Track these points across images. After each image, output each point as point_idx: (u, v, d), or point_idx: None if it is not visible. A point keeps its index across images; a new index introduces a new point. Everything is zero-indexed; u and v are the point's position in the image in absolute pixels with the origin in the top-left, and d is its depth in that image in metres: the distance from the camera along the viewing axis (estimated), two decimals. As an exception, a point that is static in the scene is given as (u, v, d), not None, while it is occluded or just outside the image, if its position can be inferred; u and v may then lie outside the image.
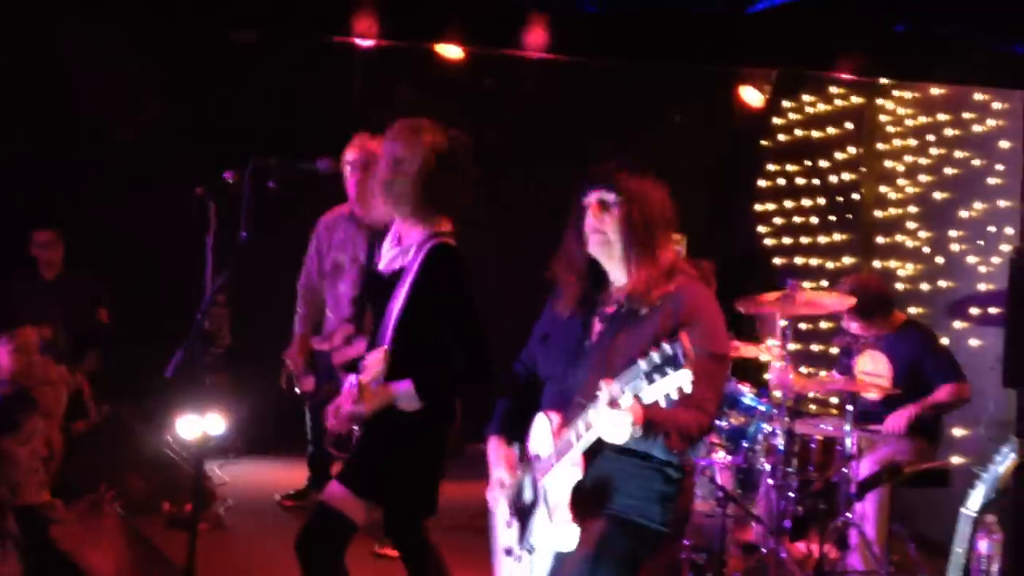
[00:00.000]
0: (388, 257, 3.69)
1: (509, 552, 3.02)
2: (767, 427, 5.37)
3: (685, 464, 2.91)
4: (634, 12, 6.27)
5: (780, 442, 5.17)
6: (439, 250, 3.52)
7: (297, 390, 5.76)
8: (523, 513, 2.98)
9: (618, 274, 2.98)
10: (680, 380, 2.40)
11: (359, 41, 6.69)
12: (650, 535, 2.85)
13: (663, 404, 2.46)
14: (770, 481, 5.28)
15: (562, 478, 2.78)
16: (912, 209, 7.51)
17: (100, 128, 7.45)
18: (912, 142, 7.55)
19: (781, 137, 8.64)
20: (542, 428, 2.92)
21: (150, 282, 7.50)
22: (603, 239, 2.93)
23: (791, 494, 5.17)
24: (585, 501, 2.78)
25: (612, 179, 2.93)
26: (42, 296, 7.13)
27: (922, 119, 7.47)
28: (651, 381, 2.42)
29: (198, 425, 4.12)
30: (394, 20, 6.40)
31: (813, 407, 7.37)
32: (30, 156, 7.23)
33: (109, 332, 6.75)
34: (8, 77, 7.05)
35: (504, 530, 3.07)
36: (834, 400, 7.45)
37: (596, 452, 2.74)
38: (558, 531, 2.77)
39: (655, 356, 2.41)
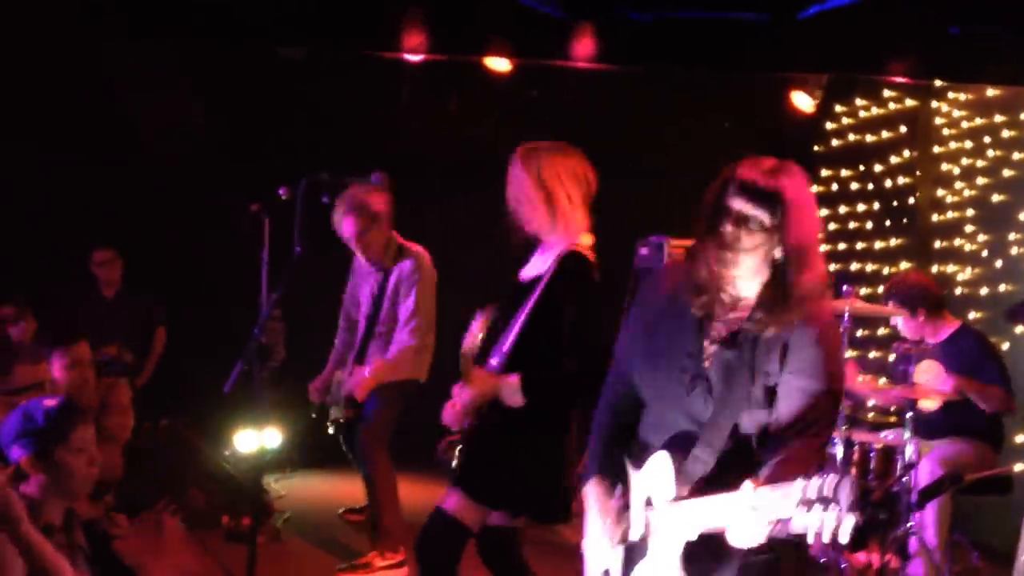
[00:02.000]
0: (530, 266, 3.75)
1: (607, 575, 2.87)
2: (825, 436, 5.30)
3: None
4: (682, 20, 6.25)
5: (839, 451, 5.11)
6: (569, 257, 3.58)
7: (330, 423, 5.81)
8: (628, 548, 2.77)
9: (744, 289, 2.60)
10: (843, 524, 2.10)
11: (408, 56, 6.75)
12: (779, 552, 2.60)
13: (810, 539, 2.16)
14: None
15: (676, 536, 2.55)
16: (970, 212, 7.39)
17: (155, 148, 7.58)
18: (968, 144, 7.44)
19: (834, 142, 8.55)
20: (660, 471, 2.64)
21: (207, 298, 7.60)
22: (741, 260, 2.53)
23: (850, 503, 5.09)
24: (703, 549, 2.52)
25: (774, 194, 2.50)
26: (102, 314, 7.27)
27: (978, 120, 7.35)
28: (808, 510, 2.12)
29: (255, 439, 4.16)
30: (443, 35, 6.44)
31: (871, 415, 7.28)
32: (88, 177, 7.37)
33: (126, 362, 6.82)
34: (64, 101, 7.19)
35: (606, 550, 2.84)
36: (892, 409, 7.35)
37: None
38: None
39: (818, 483, 2.11)
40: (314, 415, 5.85)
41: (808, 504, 2.10)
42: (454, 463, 3.70)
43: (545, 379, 3.53)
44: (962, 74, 6.78)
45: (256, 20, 6.40)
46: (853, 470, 5.12)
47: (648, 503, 2.69)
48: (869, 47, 6.31)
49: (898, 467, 5.08)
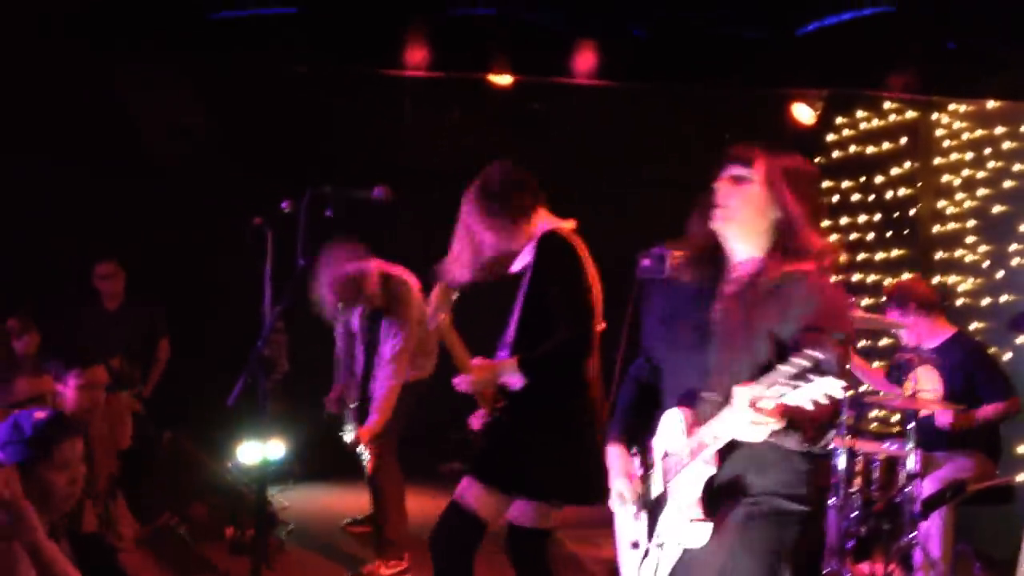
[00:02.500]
0: (519, 259, 3.85)
1: (636, 545, 2.97)
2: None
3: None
4: (682, 36, 6.28)
5: (841, 461, 5.12)
6: (545, 238, 3.73)
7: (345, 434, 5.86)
8: (652, 508, 2.92)
9: (743, 250, 2.87)
10: (830, 387, 2.34)
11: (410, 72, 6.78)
12: (794, 517, 2.75)
13: (809, 407, 2.40)
14: (832, 501, 5.22)
15: (694, 475, 2.73)
16: (970, 223, 7.41)
17: (159, 160, 7.61)
18: (969, 155, 7.46)
19: (835, 153, 8.57)
20: (673, 425, 2.84)
21: (211, 311, 7.62)
22: (730, 214, 2.83)
23: (853, 514, 5.11)
24: (721, 493, 2.73)
25: (749, 156, 2.86)
26: (105, 326, 7.28)
27: (979, 132, 7.38)
28: (796, 387, 2.37)
29: (259, 451, 4.17)
30: (445, 52, 6.48)
31: (875, 425, 7.29)
32: (92, 189, 7.40)
33: (129, 375, 6.84)
34: (66, 112, 7.22)
35: (631, 523, 3.00)
36: (895, 419, 7.36)
37: (729, 446, 2.69)
38: (690, 528, 2.73)
39: (802, 361, 2.35)
40: (328, 420, 5.88)
41: (797, 377, 2.34)
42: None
43: (539, 353, 3.61)
44: (961, 89, 6.81)
45: (261, 37, 6.45)
46: (856, 480, 5.13)
47: (665, 455, 2.86)
48: (868, 63, 6.34)
49: (901, 478, 5.08)
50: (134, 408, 6.53)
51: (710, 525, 2.70)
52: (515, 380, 3.61)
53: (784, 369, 2.39)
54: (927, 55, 6.21)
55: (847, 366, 2.56)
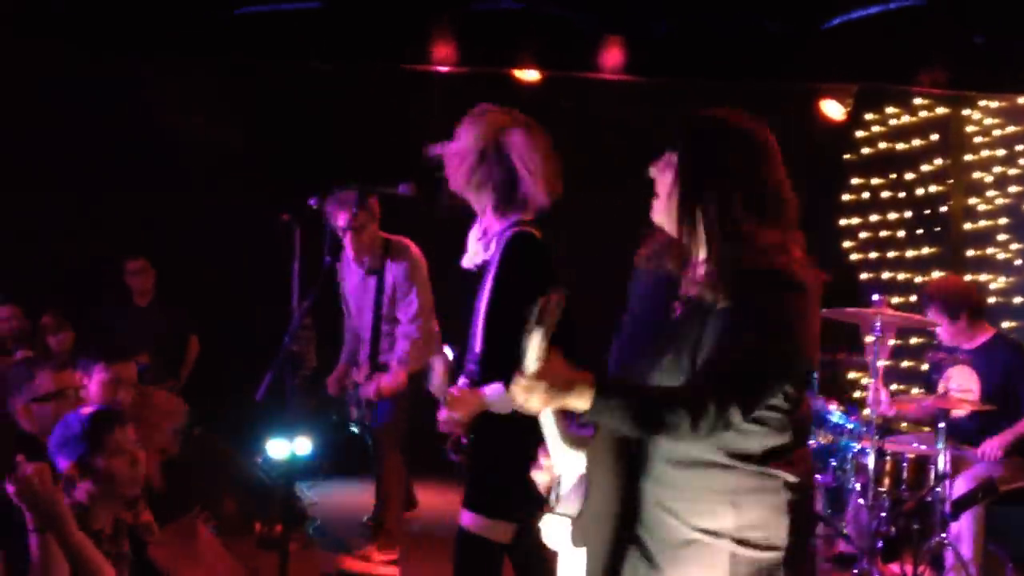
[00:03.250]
0: (471, 253, 3.56)
1: None
2: (856, 445, 5.28)
3: (790, 470, 2.29)
4: (709, 31, 6.25)
5: (870, 461, 5.08)
6: (516, 239, 3.36)
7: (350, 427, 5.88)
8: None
9: (698, 249, 2.37)
10: (533, 342, 2.11)
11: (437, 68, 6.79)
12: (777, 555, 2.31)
13: (532, 366, 2.12)
14: (860, 501, 5.18)
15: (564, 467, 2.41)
16: (1002, 220, 7.33)
17: (187, 160, 7.65)
18: (1000, 152, 7.38)
19: (865, 150, 8.50)
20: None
21: (239, 307, 7.66)
22: (659, 206, 2.42)
23: (883, 514, 5.07)
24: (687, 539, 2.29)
25: (677, 132, 2.44)
26: (135, 323, 7.34)
27: (1010, 128, 7.30)
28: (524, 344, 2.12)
29: (287, 447, 4.18)
30: (472, 47, 6.48)
31: (904, 424, 7.23)
32: (122, 186, 7.46)
33: (159, 371, 6.87)
34: (97, 113, 7.28)
35: None
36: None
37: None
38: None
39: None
40: (334, 417, 5.90)
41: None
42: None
43: None
44: (992, 84, 6.74)
45: (287, 34, 6.47)
46: (886, 480, 5.09)
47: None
48: (898, 58, 6.29)
49: (931, 477, 5.04)
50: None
51: (563, 521, 2.35)
52: (503, 407, 3.22)
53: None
54: (958, 50, 6.16)
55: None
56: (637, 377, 2.36)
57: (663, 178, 2.43)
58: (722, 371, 2.19)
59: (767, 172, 2.38)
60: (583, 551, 2.32)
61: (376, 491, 5.81)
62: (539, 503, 3.29)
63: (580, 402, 2.18)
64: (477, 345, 3.44)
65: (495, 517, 3.40)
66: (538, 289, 3.18)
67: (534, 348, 2.20)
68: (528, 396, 2.21)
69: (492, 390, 3.32)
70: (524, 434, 3.19)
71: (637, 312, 2.55)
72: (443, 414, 3.42)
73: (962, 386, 5.36)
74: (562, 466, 2.44)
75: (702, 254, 2.33)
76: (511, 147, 3.40)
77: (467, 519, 3.43)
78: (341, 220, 5.12)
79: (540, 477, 2.56)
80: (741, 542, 2.27)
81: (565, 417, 2.38)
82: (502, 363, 3.18)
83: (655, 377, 2.31)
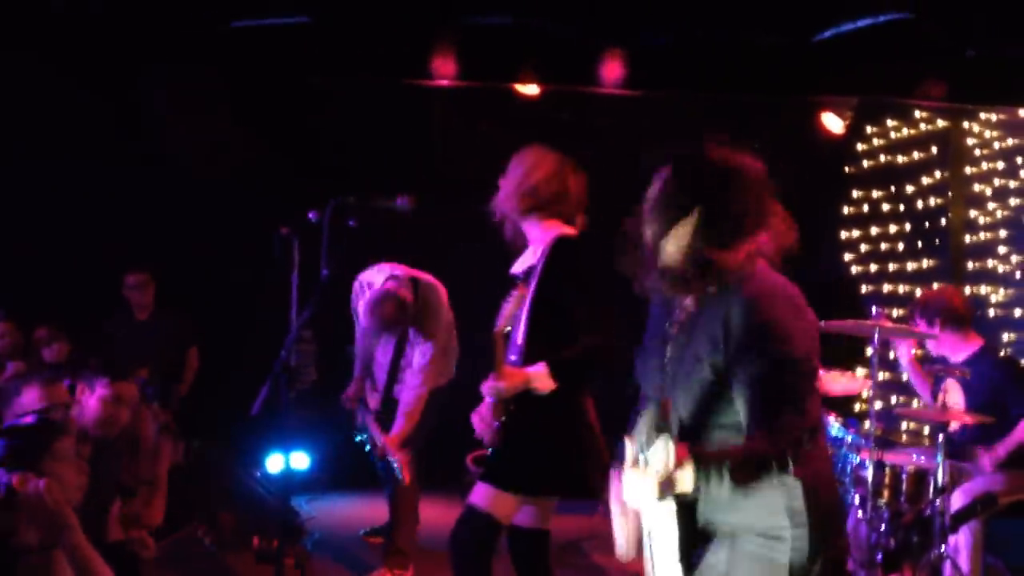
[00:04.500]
0: (521, 260, 3.91)
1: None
2: (855, 458, 5.27)
3: (797, 470, 2.48)
4: (707, 44, 6.27)
5: (869, 473, 5.07)
6: (560, 243, 3.75)
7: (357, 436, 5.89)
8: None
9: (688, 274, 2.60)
10: (667, 447, 2.27)
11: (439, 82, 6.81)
12: (777, 556, 2.52)
13: (667, 466, 2.30)
14: (860, 514, 5.17)
15: (661, 532, 2.55)
16: (1003, 233, 7.33)
17: (188, 170, 7.67)
18: (1000, 164, 7.39)
19: (865, 163, 8.52)
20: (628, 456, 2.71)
21: (239, 321, 7.66)
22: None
23: (882, 527, 5.05)
24: (700, 533, 2.55)
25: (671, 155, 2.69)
26: (136, 336, 7.34)
27: (1010, 141, 7.31)
28: (649, 447, 2.28)
29: (284, 461, 4.18)
30: (473, 62, 6.50)
31: (906, 437, 7.22)
32: (121, 198, 7.47)
33: (158, 386, 6.87)
34: (97, 123, 7.30)
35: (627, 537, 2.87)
36: (927, 430, 7.28)
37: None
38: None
39: (647, 417, 2.30)
40: (358, 439, 5.90)
41: (648, 438, 2.30)
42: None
43: (569, 359, 3.63)
44: (992, 97, 6.75)
45: (289, 48, 6.49)
46: (885, 492, 5.08)
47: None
48: (894, 71, 6.30)
49: (930, 490, 5.02)
50: (164, 419, 6.57)
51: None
52: (545, 386, 3.64)
53: (643, 422, 2.31)
54: (956, 63, 6.17)
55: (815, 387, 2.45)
56: (655, 393, 2.62)
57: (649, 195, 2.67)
58: (768, 416, 2.43)
59: (735, 200, 2.61)
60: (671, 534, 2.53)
61: (390, 510, 5.80)
62: (556, 488, 3.72)
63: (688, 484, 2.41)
64: (519, 337, 3.74)
65: (505, 488, 3.66)
66: (578, 285, 3.61)
67: (663, 451, 2.37)
68: (662, 494, 2.41)
69: (535, 369, 3.63)
70: (555, 417, 3.67)
71: (649, 333, 2.80)
72: (489, 384, 3.68)
73: (952, 399, 5.34)
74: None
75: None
76: (540, 170, 3.85)
77: (478, 492, 3.69)
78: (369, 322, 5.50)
79: (622, 524, 2.75)
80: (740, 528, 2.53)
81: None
82: (542, 354, 3.64)
83: (675, 393, 2.57)
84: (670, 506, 2.49)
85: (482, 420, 3.78)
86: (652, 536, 2.63)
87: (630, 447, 2.65)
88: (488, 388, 3.70)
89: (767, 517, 2.51)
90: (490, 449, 3.79)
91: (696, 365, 2.52)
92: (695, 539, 2.55)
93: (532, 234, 3.87)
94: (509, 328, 3.70)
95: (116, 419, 4.29)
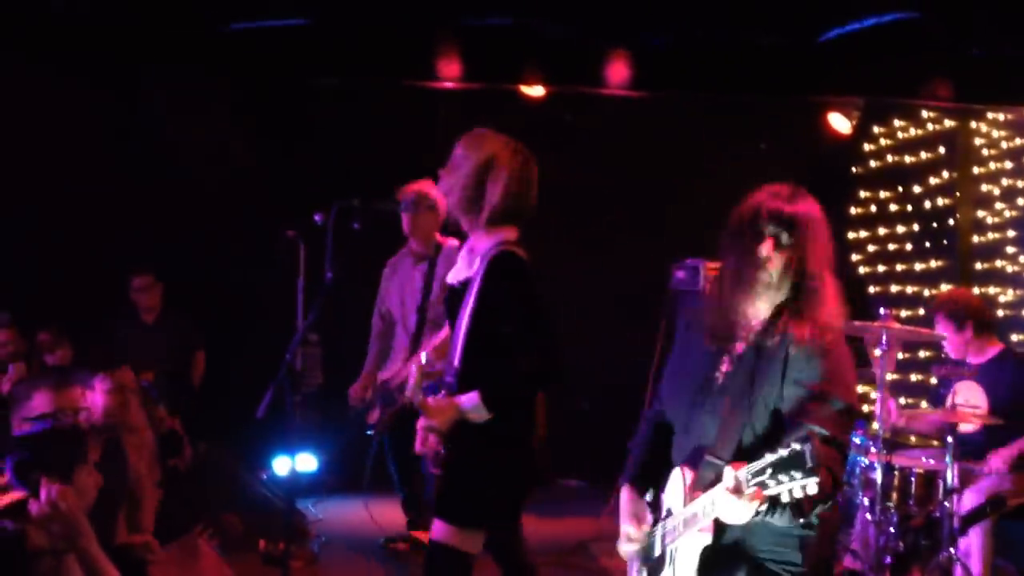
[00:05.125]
0: (457, 269, 3.70)
1: None
2: (864, 460, 5.24)
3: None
4: (712, 45, 6.26)
5: (878, 475, 5.04)
6: (500, 258, 3.49)
7: (370, 430, 5.88)
8: (652, 568, 2.90)
9: (761, 311, 2.78)
10: (807, 485, 2.34)
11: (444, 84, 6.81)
12: None
13: (786, 499, 2.40)
14: (868, 516, 5.15)
15: (690, 543, 2.69)
16: (1011, 233, 7.30)
17: (192, 175, 7.67)
18: (1008, 164, 7.36)
19: (872, 163, 8.49)
20: (676, 484, 2.81)
21: (245, 323, 7.66)
22: (768, 278, 2.74)
23: (891, 529, 5.03)
24: (719, 556, 2.69)
25: (789, 215, 2.75)
26: (143, 339, 7.34)
27: (1019, 141, 7.28)
28: (777, 480, 2.36)
29: (290, 463, 4.18)
30: (477, 63, 6.50)
31: (913, 439, 7.19)
32: (126, 203, 7.46)
33: (164, 388, 6.86)
34: (102, 128, 7.31)
35: (635, 572, 3.02)
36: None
37: None
38: None
39: (784, 453, 2.35)
40: (369, 432, 5.88)
41: (776, 472, 2.35)
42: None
43: (503, 386, 3.45)
44: (999, 97, 6.73)
45: (294, 52, 6.49)
46: (894, 494, 5.06)
47: (667, 515, 2.84)
48: (900, 72, 6.28)
49: (939, 492, 5.00)
50: (173, 426, 6.56)
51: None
52: (479, 417, 3.42)
53: (768, 458, 2.37)
54: (962, 63, 6.14)
55: (845, 437, 2.64)
56: (689, 423, 2.82)
57: (775, 258, 2.75)
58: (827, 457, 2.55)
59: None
60: None
61: (413, 503, 5.87)
62: (511, 514, 3.61)
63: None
64: (456, 359, 3.53)
65: (466, 526, 3.48)
66: (516, 303, 3.42)
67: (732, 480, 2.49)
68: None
69: (468, 399, 3.43)
70: (497, 445, 3.47)
71: (679, 364, 2.97)
72: (422, 422, 3.51)
73: (969, 401, 5.31)
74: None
75: (764, 315, 2.77)
76: (501, 171, 3.53)
77: (437, 529, 3.50)
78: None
79: (626, 548, 2.96)
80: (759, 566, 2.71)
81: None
82: (480, 377, 3.43)
83: (711, 423, 2.74)
84: (708, 536, 2.64)
85: (424, 446, 3.58)
86: (676, 553, 2.76)
87: (682, 475, 2.78)
88: (423, 428, 3.53)
89: (785, 552, 2.72)
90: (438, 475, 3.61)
91: (753, 400, 2.68)
92: (722, 561, 2.69)
93: (473, 237, 3.62)
94: (436, 367, 3.56)
95: (125, 404, 4.30)
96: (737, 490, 2.42)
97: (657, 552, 2.87)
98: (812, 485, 2.33)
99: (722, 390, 2.77)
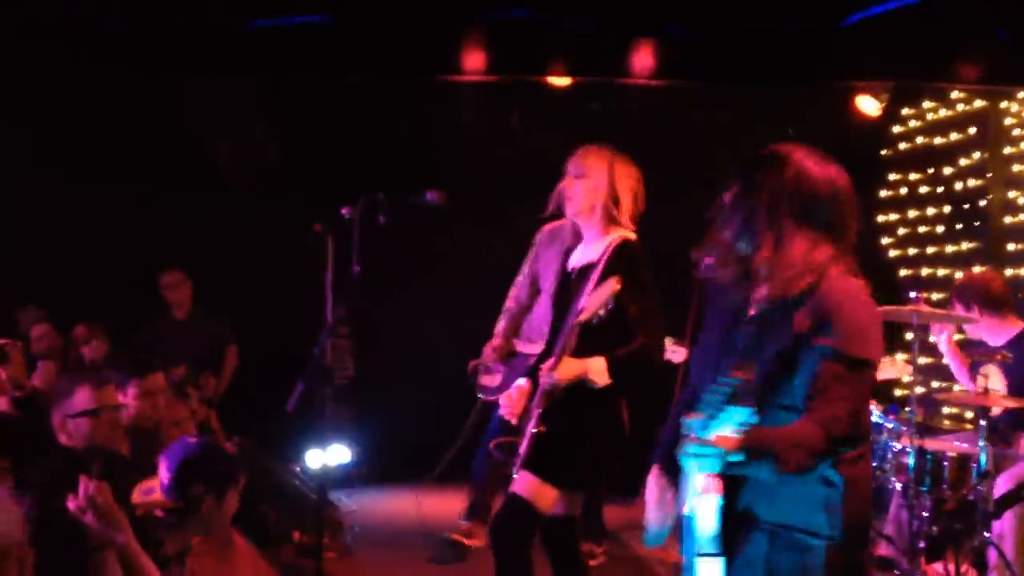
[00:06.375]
0: (577, 257, 4.02)
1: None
2: (896, 445, 5.22)
3: (843, 468, 2.57)
4: (738, 32, 6.23)
5: (911, 460, 5.02)
6: (624, 245, 3.86)
7: (479, 391, 5.80)
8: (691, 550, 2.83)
9: (762, 271, 2.69)
10: (737, 417, 2.33)
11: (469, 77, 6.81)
12: (813, 552, 2.57)
13: (733, 435, 2.36)
14: (901, 501, 5.12)
15: (702, 508, 2.59)
16: (1043, 213, 7.23)
17: (221, 172, 7.73)
18: (1040, 144, 7.28)
19: (902, 145, 8.42)
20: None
21: (276, 317, 7.71)
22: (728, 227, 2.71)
23: (924, 514, 5.01)
24: (737, 525, 2.60)
25: (745, 163, 2.78)
26: (175, 335, 7.41)
27: (1050, 120, 7.20)
28: (717, 418, 2.35)
29: (322, 456, 4.23)
30: (503, 56, 6.50)
31: (947, 422, 7.14)
32: (157, 200, 7.54)
33: (195, 383, 6.89)
34: (133, 128, 7.37)
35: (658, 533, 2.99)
36: (969, 414, 7.20)
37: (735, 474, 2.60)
38: (704, 566, 2.60)
39: (721, 388, 2.35)
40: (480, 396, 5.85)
41: (716, 409, 2.37)
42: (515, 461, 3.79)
43: (626, 357, 3.73)
44: (1021, 78, 6.64)
45: (318, 49, 6.51)
46: (926, 479, 5.03)
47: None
48: (928, 54, 6.22)
49: (972, 476, 4.97)
50: (205, 415, 6.63)
51: (718, 563, 2.56)
52: (602, 381, 3.72)
53: (713, 395, 2.36)
54: (987, 44, 6.08)
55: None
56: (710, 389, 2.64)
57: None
58: (828, 404, 2.49)
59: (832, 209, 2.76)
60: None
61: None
62: (596, 482, 3.90)
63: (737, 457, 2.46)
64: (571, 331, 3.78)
65: (550, 481, 3.73)
66: (635, 286, 3.70)
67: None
68: (701, 462, 2.48)
69: (595, 361, 3.72)
70: (601, 413, 3.79)
71: (709, 329, 2.88)
72: (546, 372, 3.75)
73: (992, 384, 5.27)
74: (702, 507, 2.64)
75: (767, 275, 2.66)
76: (627, 179, 4.00)
77: (521, 482, 3.73)
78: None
79: (655, 515, 2.91)
80: (778, 531, 2.59)
81: None
82: (596, 347, 3.72)
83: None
84: (715, 496, 2.54)
85: (512, 403, 3.85)
86: (693, 523, 2.66)
87: (694, 421, 2.67)
88: (545, 376, 3.75)
89: (805, 513, 2.57)
90: (528, 434, 3.76)
91: (770, 349, 2.58)
92: (735, 528, 2.58)
93: (592, 232, 3.97)
94: (591, 319, 3.70)
95: (156, 410, 4.37)
96: (690, 436, 2.43)
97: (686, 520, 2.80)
98: (744, 414, 2.36)
99: (741, 352, 2.68)
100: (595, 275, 3.82)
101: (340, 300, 4.08)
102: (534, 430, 3.74)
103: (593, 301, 3.69)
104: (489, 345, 5.72)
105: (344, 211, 4.49)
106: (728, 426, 2.42)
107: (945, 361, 5.87)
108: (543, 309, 5.58)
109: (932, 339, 5.73)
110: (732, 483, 2.56)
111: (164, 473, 3.29)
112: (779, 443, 2.48)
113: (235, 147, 7.62)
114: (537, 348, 5.42)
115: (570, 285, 3.98)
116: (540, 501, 3.74)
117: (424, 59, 6.65)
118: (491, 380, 5.75)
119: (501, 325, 5.76)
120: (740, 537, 2.60)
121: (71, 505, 2.94)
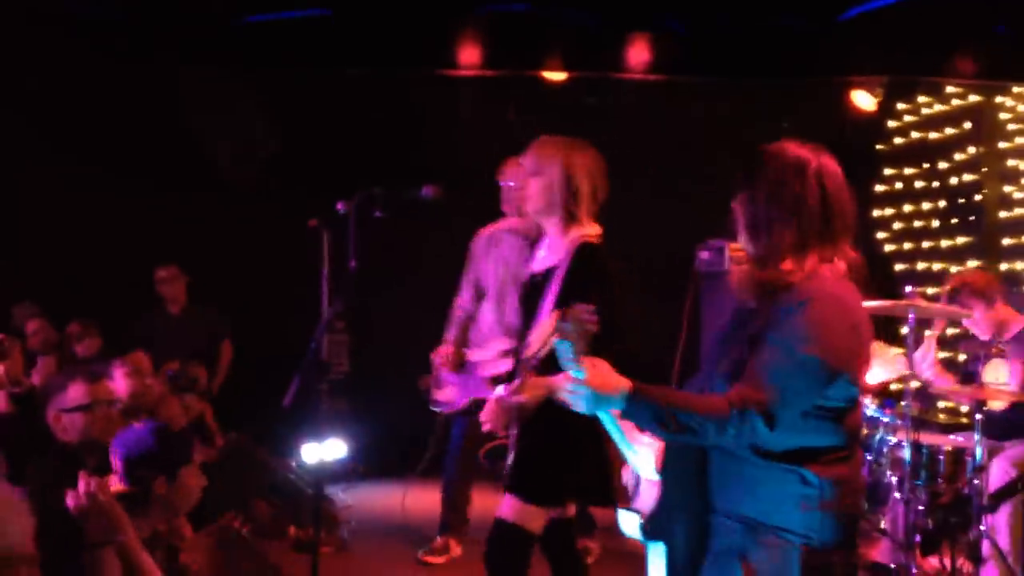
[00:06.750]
0: (539, 259, 3.89)
1: None
2: (892, 439, 5.23)
3: (818, 468, 2.52)
4: (734, 27, 6.23)
5: (906, 454, 5.03)
6: (585, 247, 3.73)
7: (435, 406, 5.77)
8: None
9: (756, 266, 2.73)
10: (562, 351, 2.40)
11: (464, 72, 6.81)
12: (793, 547, 2.52)
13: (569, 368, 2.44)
14: (897, 495, 5.14)
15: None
16: (1038, 208, 7.25)
17: (217, 168, 7.71)
18: (1035, 139, 7.29)
19: (897, 140, 8.42)
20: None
21: (271, 312, 7.70)
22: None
23: (920, 507, 5.02)
24: (717, 522, 2.60)
25: (745, 171, 2.77)
26: (170, 330, 7.40)
27: (1045, 114, 7.21)
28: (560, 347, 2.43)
29: (317, 451, 4.22)
30: (498, 50, 6.49)
31: (943, 416, 7.15)
32: (152, 196, 7.52)
33: (191, 377, 6.87)
34: (130, 121, 7.35)
35: None
36: (964, 408, 7.21)
37: (702, 460, 2.60)
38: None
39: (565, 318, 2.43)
40: (422, 388, 5.82)
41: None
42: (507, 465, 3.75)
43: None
44: (1020, 72, 6.66)
45: (316, 43, 6.50)
46: (922, 473, 5.04)
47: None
48: (923, 48, 6.23)
49: (968, 469, 4.98)
50: (200, 410, 6.63)
51: (634, 516, 2.71)
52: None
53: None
54: (986, 39, 6.09)
55: None
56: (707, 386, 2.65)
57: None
58: (751, 384, 2.46)
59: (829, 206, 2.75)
60: (661, 545, 2.65)
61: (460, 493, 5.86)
62: (580, 495, 3.80)
63: (618, 405, 2.52)
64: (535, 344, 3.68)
65: (531, 502, 3.65)
66: (599, 291, 3.53)
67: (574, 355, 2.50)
68: (575, 398, 2.54)
69: (560, 379, 3.49)
70: (575, 428, 3.53)
71: (714, 320, 2.93)
72: (506, 396, 3.64)
73: (992, 377, 5.29)
74: (633, 464, 2.74)
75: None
76: (583, 172, 3.80)
77: (506, 506, 3.67)
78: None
79: (627, 475, 2.93)
80: (755, 527, 2.55)
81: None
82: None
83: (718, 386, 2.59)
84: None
85: (494, 418, 3.71)
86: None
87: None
88: (506, 399, 3.63)
89: (781, 511, 2.53)
90: (510, 452, 3.73)
91: (743, 335, 2.59)
92: (707, 527, 2.61)
93: (553, 230, 3.83)
94: (537, 355, 3.58)
95: (147, 387, 4.36)
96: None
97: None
98: (564, 351, 2.47)
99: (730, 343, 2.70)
100: (557, 278, 3.71)
101: (336, 295, 4.07)
102: (513, 451, 3.68)
103: (537, 337, 3.58)
104: (436, 353, 5.59)
105: (340, 206, 4.49)
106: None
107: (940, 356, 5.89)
108: (487, 314, 5.59)
109: (927, 333, 5.74)
110: (703, 472, 2.60)
111: (115, 461, 3.30)
112: (669, 403, 2.49)
113: (231, 142, 7.60)
114: (487, 354, 5.44)
115: (535, 288, 3.83)
116: (529, 523, 3.67)
117: (421, 53, 6.65)
118: (445, 395, 5.66)
119: (452, 333, 5.65)
120: (716, 528, 2.61)
121: (70, 502, 2.93)
